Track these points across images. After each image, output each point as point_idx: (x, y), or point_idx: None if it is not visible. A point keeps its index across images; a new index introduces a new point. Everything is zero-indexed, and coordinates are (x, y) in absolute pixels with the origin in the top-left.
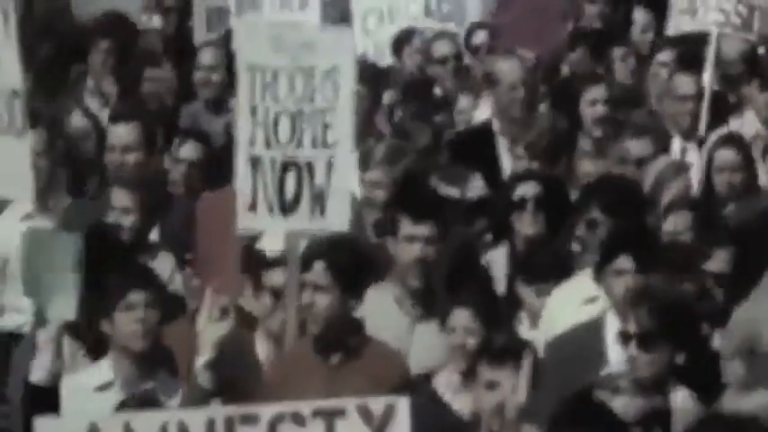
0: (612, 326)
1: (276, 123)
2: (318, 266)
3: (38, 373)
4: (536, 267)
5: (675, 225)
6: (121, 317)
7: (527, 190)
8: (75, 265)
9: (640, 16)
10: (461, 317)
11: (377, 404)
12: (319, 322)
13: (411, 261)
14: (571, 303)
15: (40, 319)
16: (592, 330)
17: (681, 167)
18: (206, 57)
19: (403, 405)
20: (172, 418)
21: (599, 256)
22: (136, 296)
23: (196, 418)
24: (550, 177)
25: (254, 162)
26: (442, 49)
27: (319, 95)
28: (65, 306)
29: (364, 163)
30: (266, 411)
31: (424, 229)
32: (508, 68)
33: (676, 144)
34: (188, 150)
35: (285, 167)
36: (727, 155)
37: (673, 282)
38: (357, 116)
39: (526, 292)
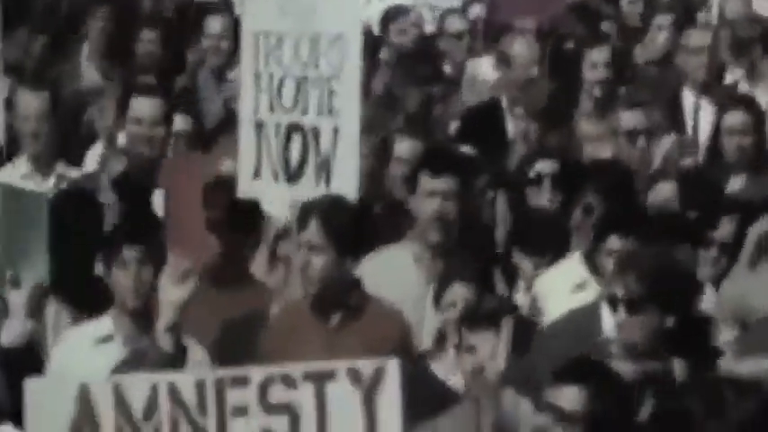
0: (608, 312)
1: (281, 88)
2: (313, 225)
3: (9, 336)
4: (535, 239)
5: (662, 194)
6: (117, 273)
7: (544, 167)
8: (43, 224)
9: None
10: (462, 292)
11: (367, 367)
12: (315, 283)
13: (431, 216)
14: (560, 289)
15: (14, 281)
16: (588, 316)
17: (689, 144)
18: (213, 25)
19: (393, 368)
20: (162, 380)
21: (592, 237)
22: (129, 252)
23: (186, 380)
24: (568, 158)
25: (258, 127)
26: (455, 24)
27: (324, 62)
28: (38, 268)
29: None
30: (256, 373)
31: (443, 184)
32: (523, 49)
33: (689, 100)
34: (178, 123)
35: (290, 133)
36: (737, 117)
37: (665, 249)
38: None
39: (524, 263)
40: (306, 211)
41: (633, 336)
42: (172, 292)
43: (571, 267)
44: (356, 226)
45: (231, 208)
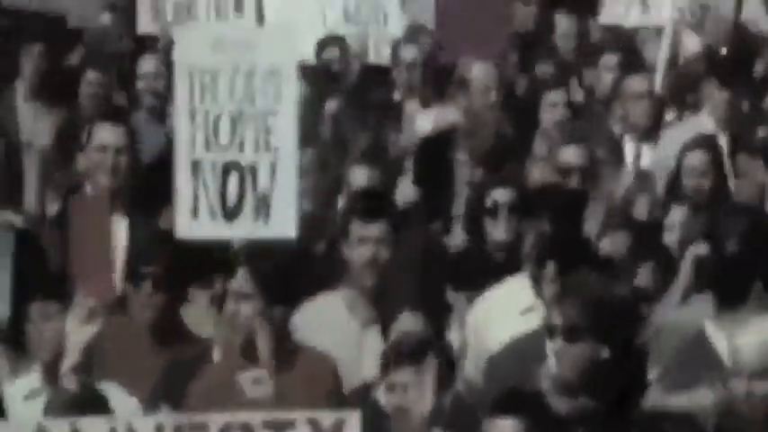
0: None
1: (216, 125)
2: (241, 273)
3: None
4: (465, 274)
5: (613, 245)
6: (36, 327)
7: (500, 196)
8: (6, 265)
9: (563, 22)
10: (409, 322)
11: (327, 417)
12: (243, 331)
13: (364, 262)
14: (507, 313)
15: None
16: (533, 342)
17: (644, 178)
18: (147, 65)
19: (353, 419)
20: (120, 422)
21: (534, 263)
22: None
23: (145, 424)
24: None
25: (195, 166)
26: (409, 53)
27: (260, 97)
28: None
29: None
30: (215, 420)
31: (374, 230)
32: (483, 72)
33: (629, 147)
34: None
35: (227, 171)
36: (697, 157)
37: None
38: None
39: (456, 298)
40: (233, 260)
41: (569, 365)
42: (78, 333)
43: (518, 290)
44: (287, 273)
45: (172, 263)
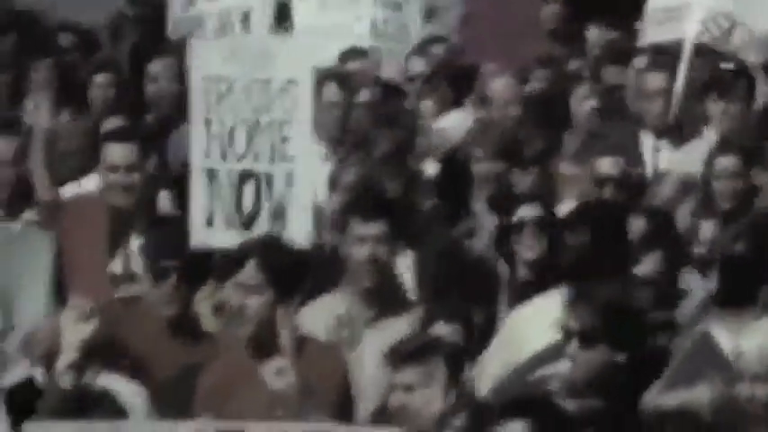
0: None
1: (232, 135)
2: (250, 266)
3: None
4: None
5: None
6: None
7: (526, 212)
8: (47, 265)
9: (594, 34)
10: (445, 330)
11: None
12: (251, 325)
13: (363, 261)
14: (539, 324)
15: (7, 325)
16: (558, 351)
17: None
18: (156, 68)
19: None
20: (161, 429)
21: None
22: None
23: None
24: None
25: (210, 174)
26: (417, 66)
27: (276, 107)
28: (33, 310)
29: (332, 185)
30: (253, 429)
31: (374, 229)
32: (503, 86)
33: (648, 142)
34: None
35: (243, 180)
36: (727, 161)
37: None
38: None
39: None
40: (243, 252)
41: (583, 369)
42: (73, 332)
43: (550, 303)
44: (295, 266)
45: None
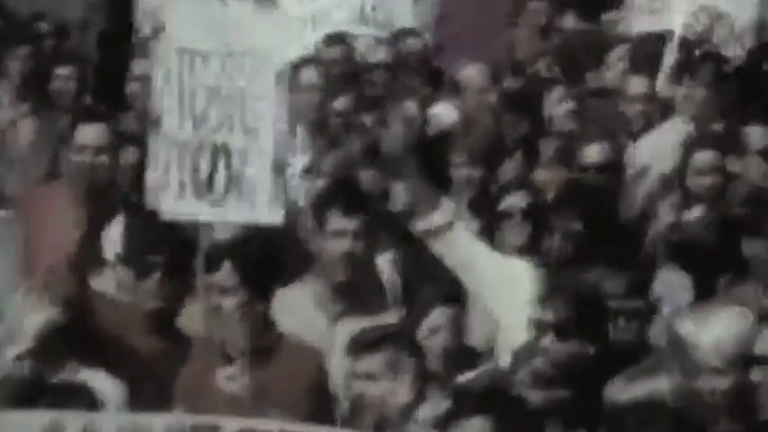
0: None
1: (204, 107)
2: (225, 267)
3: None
4: None
5: None
6: None
7: (513, 200)
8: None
9: (570, 21)
10: (442, 316)
11: None
12: (226, 326)
13: (339, 255)
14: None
15: None
16: None
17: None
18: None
19: None
20: (128, 420)
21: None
22: None
23: (156, 423)
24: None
25: (181, 146)
26: (380, 55)
27: (250, 80)
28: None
29: (309, 172)
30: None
31: (353, 223)
32: (476, 74)
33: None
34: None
35: (214, 153)
36: (705, 156)
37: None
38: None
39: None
40: (216, 253)
41: (553, 360)
42: (28, 321)
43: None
44: (270, 266)
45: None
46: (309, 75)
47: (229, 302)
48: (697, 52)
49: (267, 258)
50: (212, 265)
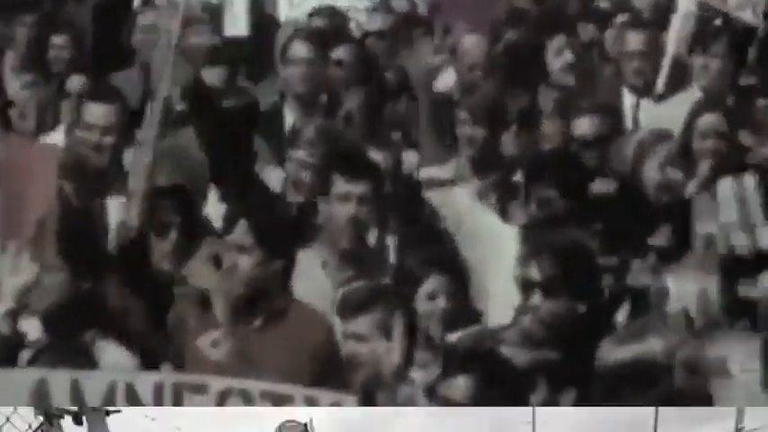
0: None
1: None
2: (241, 226)
3: None
4: None
5: None
6: None
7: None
8: None
9: None
10: (439, 283)
11: (325, 396)
12: (242, 284)
13: (345, 220)
14: None
15: None
16: None
17: (663, 135)
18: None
19: (350, 401)
20: (120, 377)
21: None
22: None
23: (144, 380)
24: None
25: None
26: (374, 24)
27: None
28: None
29: (292, 140)
30: (216, 383)
31: (358, 188)
32: (471, 45)
33: (627, 99)
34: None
35: None
36: (710, 119)
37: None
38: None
39: None
40: (233, 212)
41: (542, 319)
42: (12, 280)
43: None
44: (286, 226)
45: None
46: (299, 48)
47: (245, 261)
48: (716, 22)
49: (283, 219)
50: (229, 224)
